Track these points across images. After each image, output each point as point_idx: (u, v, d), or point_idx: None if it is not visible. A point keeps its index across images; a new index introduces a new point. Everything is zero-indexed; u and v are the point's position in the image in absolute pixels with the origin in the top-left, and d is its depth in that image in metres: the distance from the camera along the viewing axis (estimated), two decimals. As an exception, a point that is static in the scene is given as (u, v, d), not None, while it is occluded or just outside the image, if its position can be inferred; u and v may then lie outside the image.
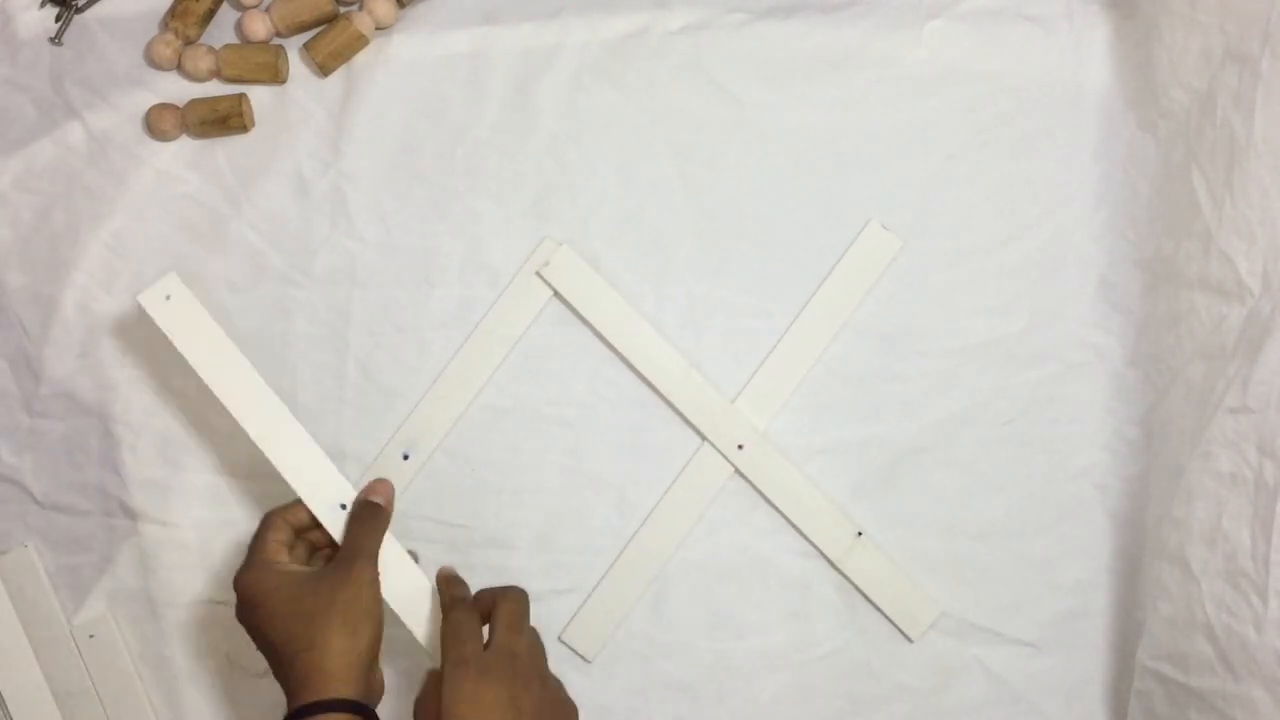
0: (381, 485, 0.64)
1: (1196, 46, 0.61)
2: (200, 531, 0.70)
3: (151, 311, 0.64)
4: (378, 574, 0.60)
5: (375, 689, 0.59)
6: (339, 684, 0.56)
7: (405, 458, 0.69)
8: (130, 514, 0.70)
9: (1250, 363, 0.57)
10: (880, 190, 0.69)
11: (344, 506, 0.63)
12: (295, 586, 0.58)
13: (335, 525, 0.63)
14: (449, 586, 0.63)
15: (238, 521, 0.70)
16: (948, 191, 0.69)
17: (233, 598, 0.70)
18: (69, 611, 0.71)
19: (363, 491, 0.63)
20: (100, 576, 0.71)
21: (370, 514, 0.62)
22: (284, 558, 0.60)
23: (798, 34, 0.69)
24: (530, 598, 0.62)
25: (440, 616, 0.61)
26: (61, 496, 0.71)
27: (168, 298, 0.63)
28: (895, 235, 0.69)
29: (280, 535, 0.61)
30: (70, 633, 0.70)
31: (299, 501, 0.63)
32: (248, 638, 0.62)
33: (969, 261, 0.69)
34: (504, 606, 0.60)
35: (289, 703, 0.56)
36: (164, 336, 0.71)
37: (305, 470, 0.63)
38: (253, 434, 0.63)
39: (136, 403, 0.70)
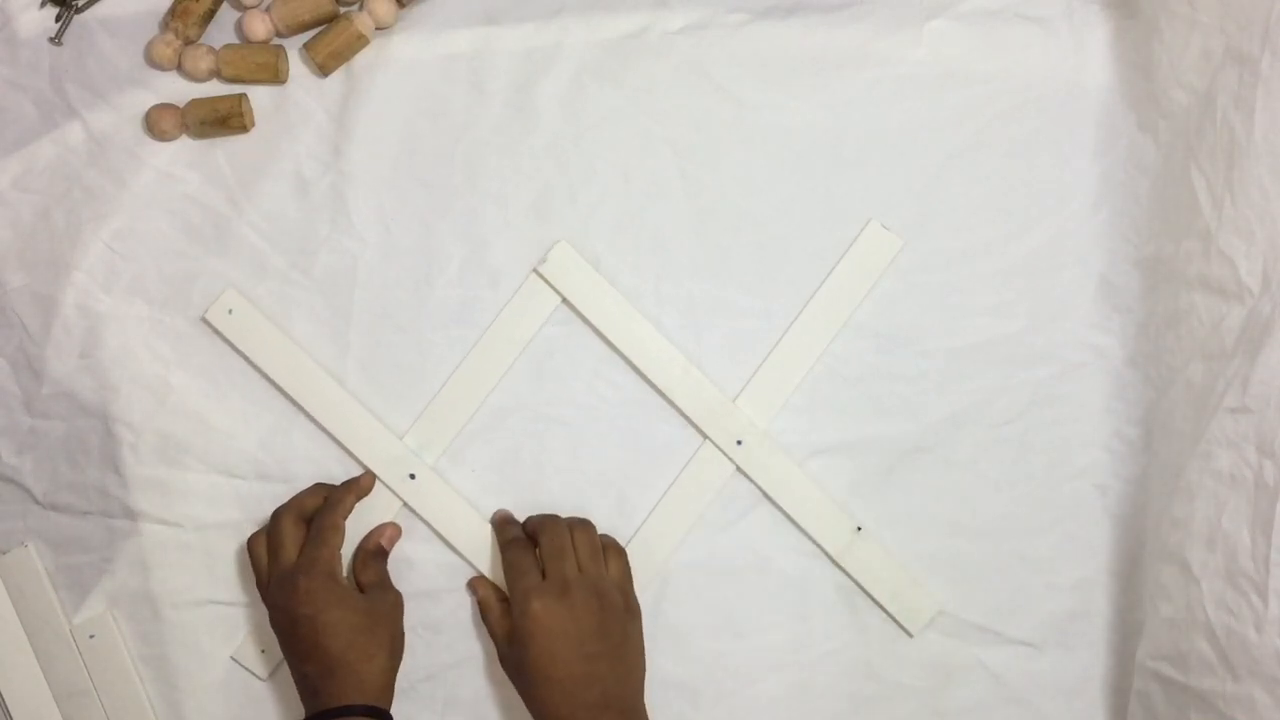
0: (393, 530, 0.70)
1: (1196, 46, 0.61)
2: (200, 531, 0.70)
3: (218, 327, 0.70)
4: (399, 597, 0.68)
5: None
6: (377, 694, 0.63)
7: (412, 476, 0.69)
8: (130, 514, 0.70)
9: (1250, 363, 0.57)
10: (880, 190, 0.69)
11: (413, 476, 0.69)
12: (356, 603, 0.64)
13: (409, 494, 0.69)
14: (503, 529, 0.69)
15: (238, 522, 0.70)
16: (948, 191, 0.69)
17: (235, 597, 0.70)
18: (69, 611, 0.71)
19: (376, 535, 0.69)
20: (100, 576, 0.71)
21: (381, 554, 0.69)
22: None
23: (798, 34, 0.69)
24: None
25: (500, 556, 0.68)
26: (61, 496, 0.71)
27: (230, 312, 0.69)
28: (895, 235, 0.69)
29: (301, 532, 0.66)
30: (70, 633, 0.70)
31: (304, 493, 0.68)
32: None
33: (969, 261, 0.69)
34: (544, 539, 0.66)
35: (318, 703, 0.63)
36: (165, 338, 0.71)
37: (378, 452, 0.69)
38: (328, 427, 0.69)
39: (136, 403, 0.70)
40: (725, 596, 0.70)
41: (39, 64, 0.70)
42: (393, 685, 0.65)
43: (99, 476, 0.70)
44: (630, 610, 0.66)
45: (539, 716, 0.63)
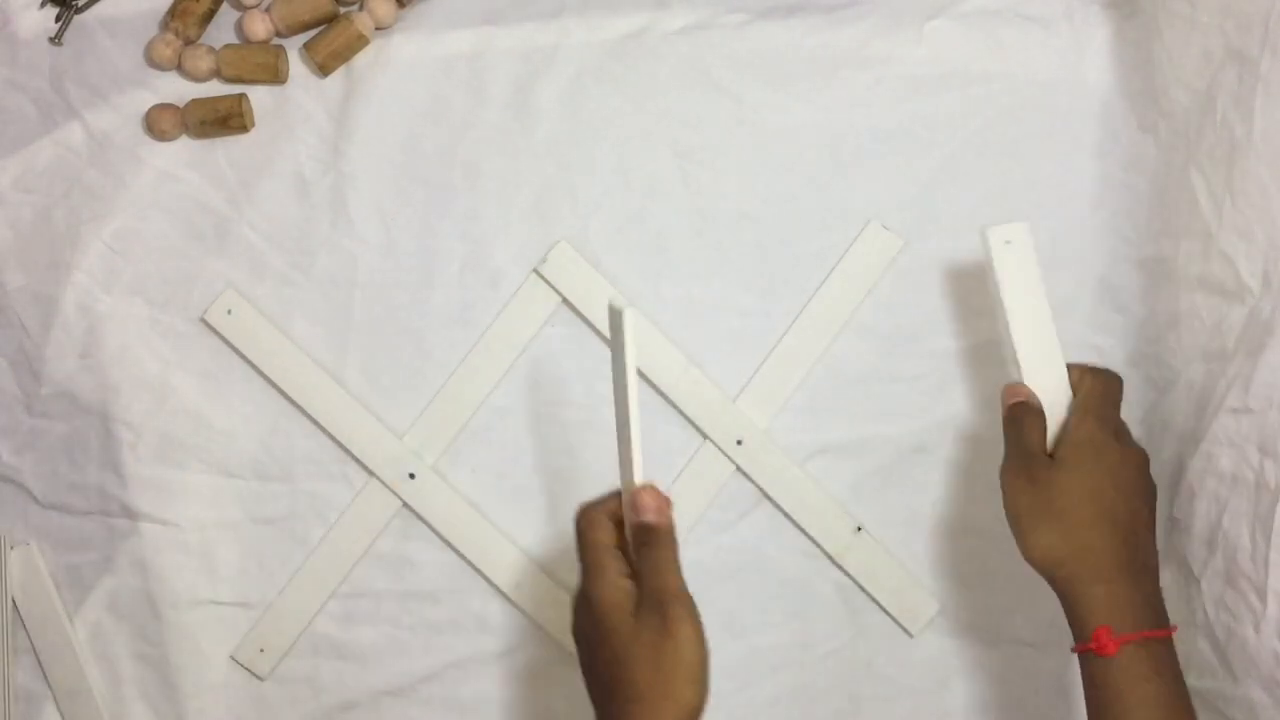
0: (651, 497, 0.52)
1: (1196, 46, 0.61)
2: (200, 531, 0.70)
3: (217, 327, 0.69)
4: (693, 613, 0.50)
5: None
6: None
7: (412, 476, 0.69)
8: (130, 514, 0.70)
9: (1251, 363, 0.57)
10: (880, 190, 0.69)
11: (413, 476, 0.69)
12: (626, 629, 0.51)
13: (409, 494, 0.69)
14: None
15: (238, 522, 0.70)
16: (948, 191, 0.69)
17: (235, 597, 0.70)
18: (69, 611, 0.71)
19: (635, 511, 0.53)
20: (100, 576, 0.71)
21: (652, 540, 0.52)
22: (622, 572, 0.52)
23: (798, 34, 0.69)
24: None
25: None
26: (61, 496, 0.71)
27: (229, 312, 0.69)
28: (895, 235, 0.69)
29: (608, 539, 0.53)
30: (70, 633, 0.70)
31: (611, 494, 0.55)
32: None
33: (969, 261, 0.69)
34: (1094, 388, 0.58)
35: None
36: (165, 338, 0.71)
37: (378, 452, 0.69)
38: (328, 427, 0.69)
39: (136, 403, 0.70)
40: (725, 596, 0.70)
41: (39, 64, 0.70)
42: None
43: (99, 476, 0.70)
44: None
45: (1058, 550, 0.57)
